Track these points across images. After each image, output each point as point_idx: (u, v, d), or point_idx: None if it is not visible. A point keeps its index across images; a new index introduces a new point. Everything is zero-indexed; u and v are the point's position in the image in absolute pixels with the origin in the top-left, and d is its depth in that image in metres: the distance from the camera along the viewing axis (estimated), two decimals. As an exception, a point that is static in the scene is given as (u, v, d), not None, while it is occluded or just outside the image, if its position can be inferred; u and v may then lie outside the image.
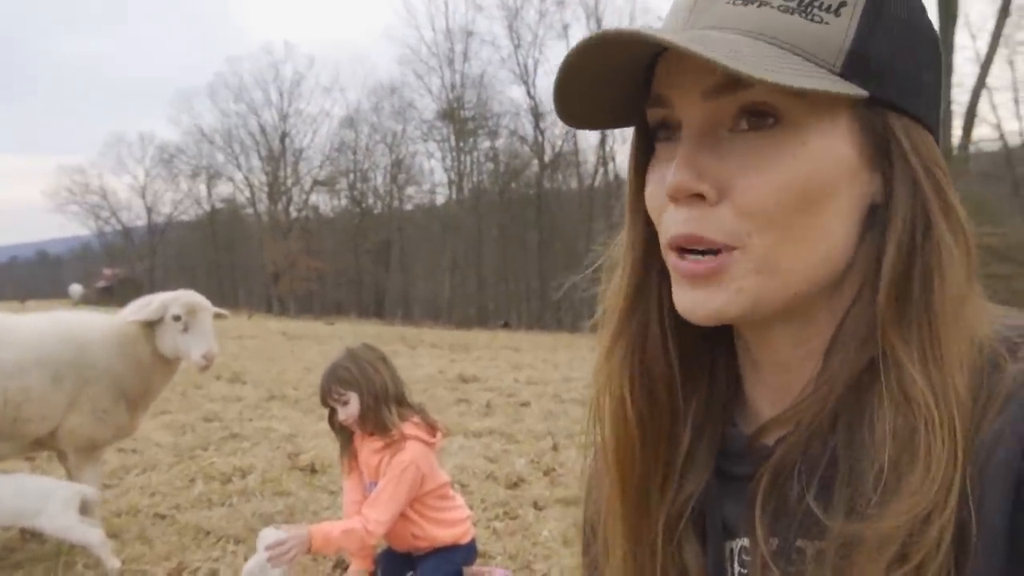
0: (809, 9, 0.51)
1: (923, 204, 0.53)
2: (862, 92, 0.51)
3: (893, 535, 0.48)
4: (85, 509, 3.23)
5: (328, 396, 2.72)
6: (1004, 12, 20.06)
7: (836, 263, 0.55)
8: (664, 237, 0.57)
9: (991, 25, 19.97)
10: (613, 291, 0.65)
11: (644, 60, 0.56)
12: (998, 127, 27.55)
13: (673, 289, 0.58)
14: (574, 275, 0.71)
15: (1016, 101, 30.72)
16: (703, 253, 0.54)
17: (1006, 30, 21.04)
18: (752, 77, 0.46)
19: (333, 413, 2.77)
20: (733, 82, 0.50)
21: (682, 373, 0.63)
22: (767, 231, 0.52)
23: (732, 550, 0.63)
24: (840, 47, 0.51)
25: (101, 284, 49.06)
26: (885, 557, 0.48)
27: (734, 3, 0.52)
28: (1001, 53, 22.45)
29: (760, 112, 0.52)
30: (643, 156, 0.61)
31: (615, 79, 0.56)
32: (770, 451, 0.58)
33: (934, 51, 0.56)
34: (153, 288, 3.80)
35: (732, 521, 0.62)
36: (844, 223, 0.54)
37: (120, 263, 51.48)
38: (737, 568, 0.62)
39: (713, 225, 0.53)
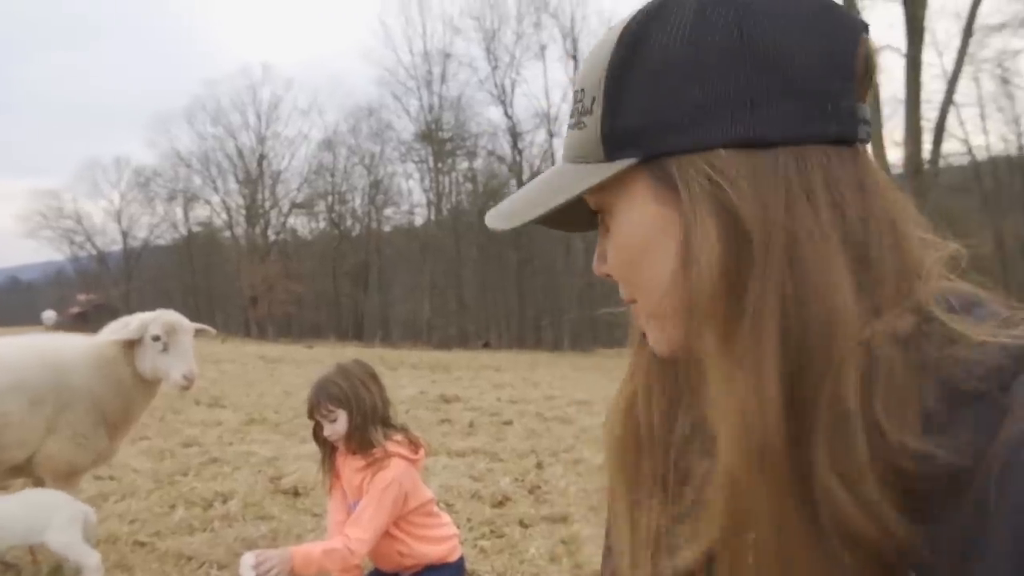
0: (579, 120, 0.60)
1: (734, 218, 0.53)
2: (623, 164, 0.57)
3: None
4: (84, 531, 3.17)
5: (316, 411, 2.69)
6: (968, 31, 20.59)
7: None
8: None
9: (957, 43, 20.51)
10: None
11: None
12: (966, 142, 28.29)
13: None
14: (615, 304, 0.75)
15: (982, 116, 31.52)
16: None
17: (971, 48, 21.62)
18: (517, 226, 0.61)
19: (318, 427, 2.74)
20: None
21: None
22: (633, 289, 0.62)
23: None
24: (596, 139, 0.58)
25: (75, 310, 48.29)
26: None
27: (568, 129, 0.63)
28: (967, 70, 23.06)
29: (600, 210, 0.63)
30: None
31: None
32: None
33: (720, 56, 0.54)
34: (129, 313, 3.74)
35: None
36: (672, 265, 0.57)
37: (95, 289, 50.75)
38: None
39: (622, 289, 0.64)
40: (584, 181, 0.58)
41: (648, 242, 0.58)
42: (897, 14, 19.71)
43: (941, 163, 20.38)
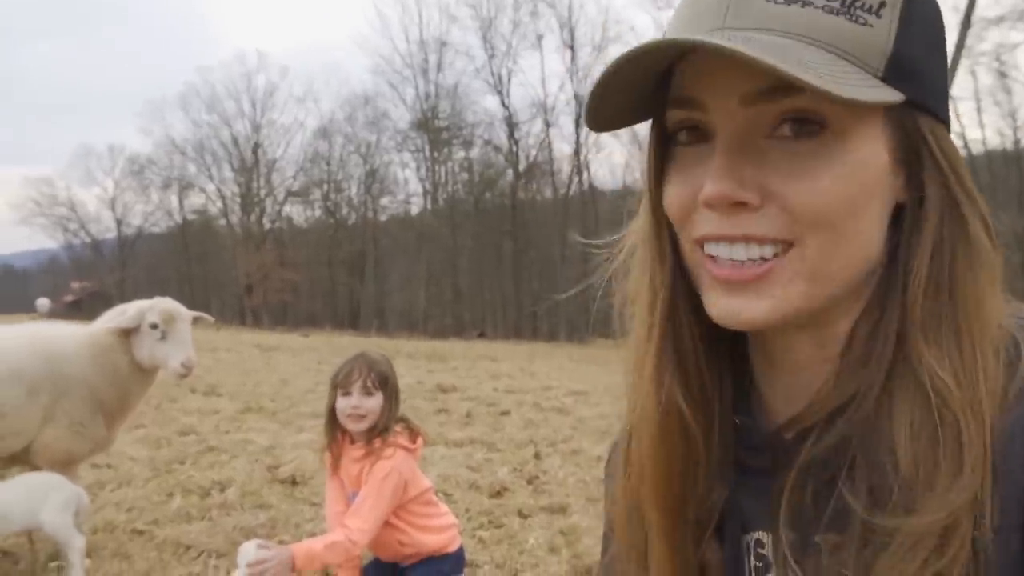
0: (852, 10, 0.50)
1: (954, 203, 0.53)
2: (901, 97, 0.51)
3: (930, 531, 0.48)
4: (76, 514, 3.17)
5: (357, 382, 2.65)
6: (966, 23, 20.60)
7: (872, 264, 0.55)
8: (695, 234, 0.56)
9: (954, 36, 20.50)
10: (642, 302, 0.64)
11: (666, 63, 0.55)
12: (962, 135, 28.32)
13: (705, 294, 0.57)
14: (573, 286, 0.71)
15: (979, 110, 31.52)
16: (742, 262, 0.53)
17: (968, 41, 21.63)
18: (816, 87, 0.45)
19: (334, 403, 2.70)
20: (779, 88, 0.49)
21: (709, 373, 0.63)
22: (819, 234, 0.51)
23: (748, 543, 0.63)
24: (883, 50, 0.50)
25: (69, 298, 48.17)
26: (921, 553, 0.48)
27: (776, 2, 0.50)
28: (964, 64, 23.08)
29: (804, 119, 0.51)
30: (661, 160, 0.59)
31: (634, 83, 0.54)
32: (789, 445, 0.58)
33: (945, 49, 0.57)
34: (123, 301, 3.72)
35: (748, 515, 0.62)
36: (879, 225, 0.54)
37: (89, 276, 50.61)
38: (753, 561, 0.62)
39: (764, 225, 0.52)
40: (849, 83, 0.48)
41: (876, 190, 0.52)
42: (896, 6, 19.70)
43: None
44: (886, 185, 0.53)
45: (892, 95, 0.50)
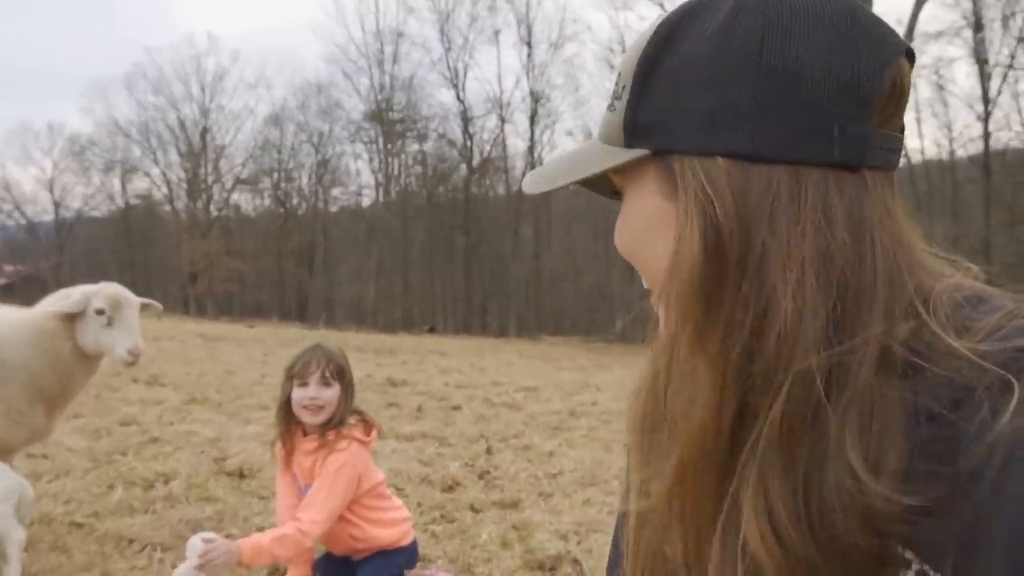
0: (611, 102, 0.63)
1: (715, 230, 0.53)
2: (642, 153, 0.58)
3: None
4: (19, 506, 3.03)
5: (315, 372, 2.61)
6: (909, 36, 21.31)
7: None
8: None
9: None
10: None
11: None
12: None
13: None
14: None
15: (918, 120, 32.59)
16: None
17: (912, 55, 22.35)
18: (564, 185, 0.65)
19: (291, 393, 2.65)
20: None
21: None
22: (637, 268, 0.65)
23: None
24: (620, 125, 0.61)
25: (2, 281, 46.25)
26: None
27: (606, 108, 0.65)
28: (907, 76, 23.83)
29: (614, 191, 0.67)
30: None
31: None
32: None
33: (736, 65, 0.54)
34: (60, 287, 3.58)
35: None
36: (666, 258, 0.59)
37: (23, 260, 48.64)
38: None
39: None
40: (604, 162, 0.61)
41: (649, 231, 0.61)
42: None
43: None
44: (668, 219, 0.58)
45: (631, 154, 0.59)
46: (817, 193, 0.52)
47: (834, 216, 0.52)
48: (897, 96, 0.55)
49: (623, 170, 0.61)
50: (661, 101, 0.57)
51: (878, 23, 0.55)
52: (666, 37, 0.58)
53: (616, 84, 0.63)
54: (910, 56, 0.56)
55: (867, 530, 0.48)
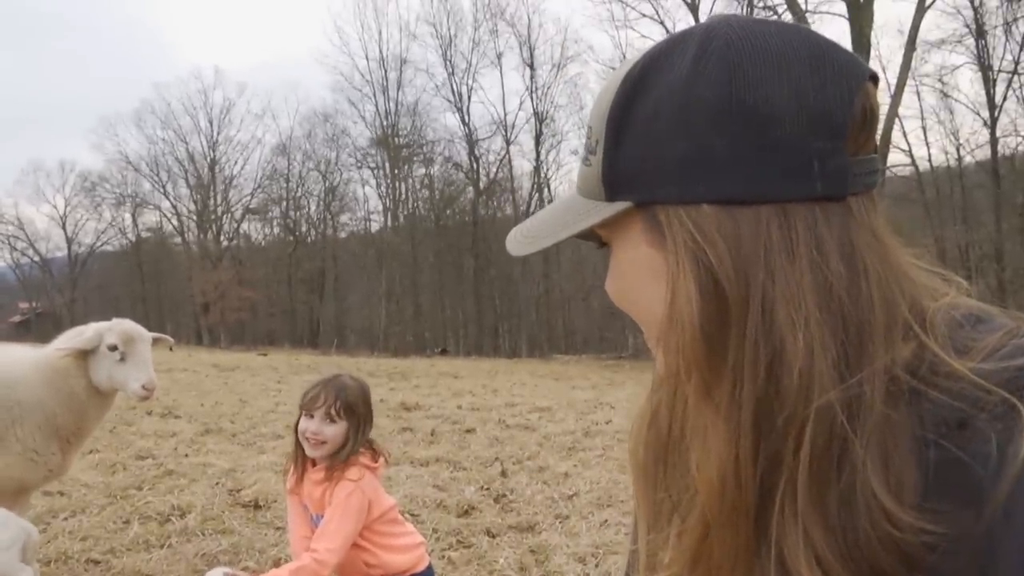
0: (586, 156, 0.62)
1: (711, 278, 0.53)
2: (624, 206, 0.58)
3: None
4: (25, 551, 3.02)
5: (323, 407, 2.59)
6: (911, 45, 21.32)
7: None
8: None
9: (899, 58, 21.19)
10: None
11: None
12: (909, 153, 29.20)
13: None
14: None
15: (924, 128, 32.56)
16: None
17: (913, 63, 22.37)
18: (546, 245, 0.65)
19: (301, 420, 2.65)
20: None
21: None
22: (628, 312, 0.65)
23: None
24: (598, 180, 0.60)
25: (16, 319, 46.67)
26: None
27: (580, 162, 0.65)
28: (909, 84, 23.86)
29: (601, 243, 0.66)
30: None
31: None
32: None
33: (708, 113, 0.53)
34: (74, 322, 3.61)
35: None
36: (661, 307, 0.58)
37: (37, 296, 49.08)
38: None
39: None
40: (588, 218, 0.61)
41: (639, 281, 0.61)
42: (844, 30, 20.34)
43: (887, 174, 21.01)
44: (658, 268, 0.58)
45: (614, 208, 0.59)
46: (807, 228, 0.52)
47: (827, 249, 0.52)
48: (869, 121, 0.55)
49: (608, 223, 0.61)
50: (637, 152, 0.57)
51: (839, 50, 0.55)
52: (633, 88, 0.57)
53: (588, 138, 0.62)
54: (874, 79, 0.56)
55: (903, 562, 0.48)
